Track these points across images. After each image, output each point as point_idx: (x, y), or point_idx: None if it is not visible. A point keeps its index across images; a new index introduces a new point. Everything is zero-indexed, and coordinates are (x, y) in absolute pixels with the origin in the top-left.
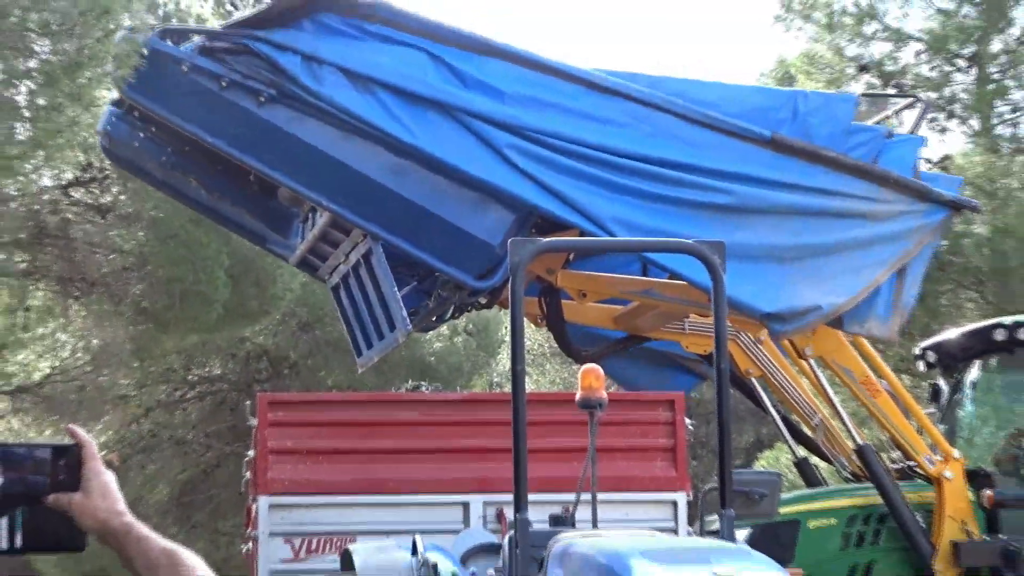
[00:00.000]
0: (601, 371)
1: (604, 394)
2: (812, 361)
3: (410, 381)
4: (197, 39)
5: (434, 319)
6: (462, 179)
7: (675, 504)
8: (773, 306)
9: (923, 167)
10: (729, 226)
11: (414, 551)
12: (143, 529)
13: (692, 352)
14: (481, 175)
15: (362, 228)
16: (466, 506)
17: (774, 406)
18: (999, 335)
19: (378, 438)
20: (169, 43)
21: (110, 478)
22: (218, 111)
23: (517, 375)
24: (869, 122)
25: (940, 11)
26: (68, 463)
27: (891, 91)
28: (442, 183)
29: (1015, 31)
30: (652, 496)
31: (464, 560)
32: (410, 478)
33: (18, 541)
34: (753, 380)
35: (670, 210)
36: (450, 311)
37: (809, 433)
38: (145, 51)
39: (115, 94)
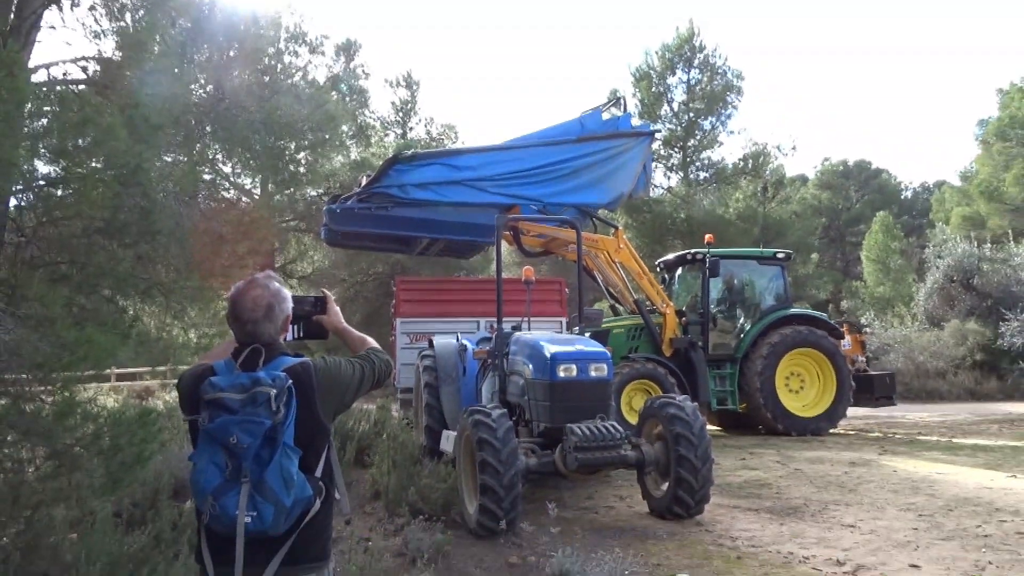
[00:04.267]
0: (532, 269)
1: (534, 278)
2: (617, 264)
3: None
4: (352, 199)
5: (474, 254)
6: (474, 206)
7: (561, 323)
8: (606, 199)
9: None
10: (576, 177)
11: (457, 339)
12: (351, 329)
13: (569, 258)
14: (480, 200)
15: (444, 239)
16: (479, 323)
17: (601, 282)
18: (688, 256)
19: (444, 295)
20: (345, 203)
21: (338, 309)
22: (375, 219)
23: (499, 270)
24: (608, 116)
25: (668, 128)
26: (321, 303)
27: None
28: (468, 210)
29: (699, 135)
30: (552, 319)
31: (477, 343)
32: (456, 311)
33: (300, 335)
34: (593, 271)
35: (552, 182)
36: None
37: (615, 293)
38: (339, 211)
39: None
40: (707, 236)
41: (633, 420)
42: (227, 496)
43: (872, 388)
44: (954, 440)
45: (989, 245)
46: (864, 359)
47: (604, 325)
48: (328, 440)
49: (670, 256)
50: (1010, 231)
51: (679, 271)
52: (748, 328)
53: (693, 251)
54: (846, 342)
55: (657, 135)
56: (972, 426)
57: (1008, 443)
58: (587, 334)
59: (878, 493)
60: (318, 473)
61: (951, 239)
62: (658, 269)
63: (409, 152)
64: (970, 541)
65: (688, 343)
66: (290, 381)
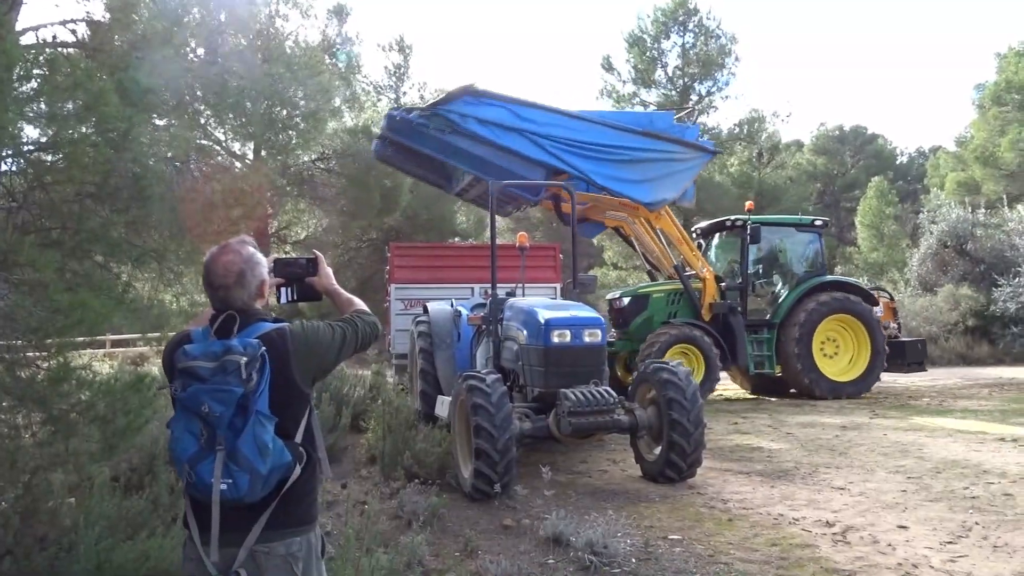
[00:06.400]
0: (526, 234)
1: (528, 243)
2: (658, 231)
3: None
4: (415, 111)
5: (512, 211)
6: (525, 158)
7: (555, 289)
8: (648, 199)
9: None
10: (630, 167)
11: (452, 305)
12: (342, 290)
13: (608, 224)
14: (533, 155)
15: (485, 183)
16: (472, 289)
17: (639, 249)
18: (727, 223)
19: (438, 261)
20: (407, 114)
21: (330, 271)
22: (429, 139)
23: (492, 236)
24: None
25: (663, 94)
26: (313, 264)
27: (685, 108)
28: (517, 160)
29: (693, 100)
30: (546, 286)
31: (471, 309)
32: (450, 277)
33: (294, 297)
34: (631, 238)
35: (607, 163)
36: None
37: (652, 260)
38: (399, 118)
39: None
40: (748, 203)
41: None
42: (202, 464)
43: (904, 354)
44: (944, 404)
45: (983, 210)
46: (896, 325)
47: (644, 290)
48: (308, 405)
49: (704, 223)
50: (1004, 196)
51: (716, 238)
52: (786, 294)
53: (732, 218)
54: (878, 309)
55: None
56: (963, 390)
57: (998, 407)
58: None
59: (868, 456)
60: (298, 439)
61: (945, 204)
62: (694, 235)
63: (483, 88)
64: (957, 502)
65: (728, 308)
66: (263, 348)
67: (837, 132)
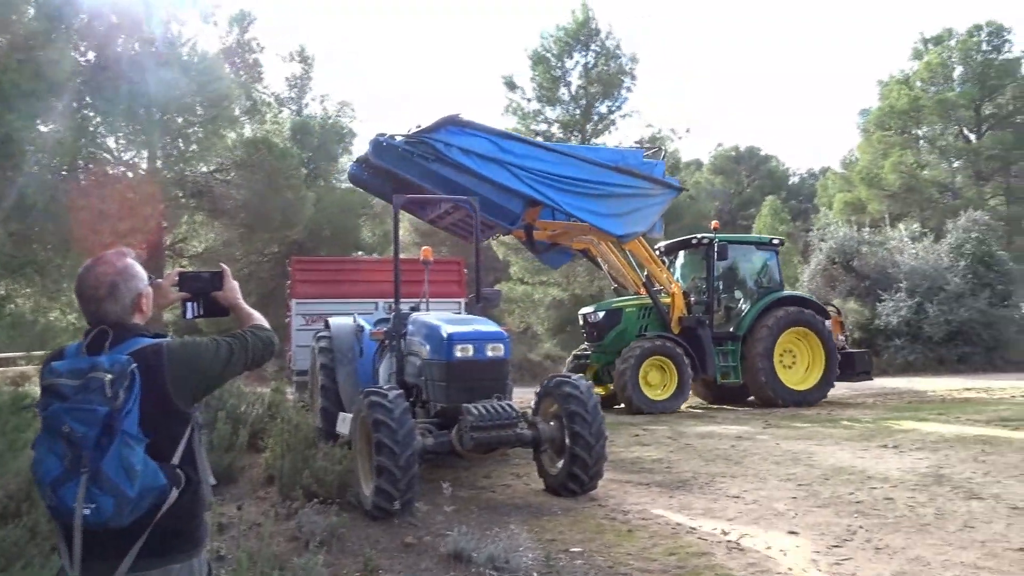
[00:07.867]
0: (431, 249)
1: (432, 258)
2: (627, 251)
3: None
4: (400, 137)
5: (486, 238)
6: (504, 188)
7: (460, 303)
8: (621, 231)
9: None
10: (603, 201)
11: (354, 320)
12: (244, 305)
13: (575, 247)
14: (511, 185)
15: (462, 211)
16: (376, 304)
17: (605, 268)
18: (692, 241)
19: (341, 275)
20: (393, 140)
21: (235, 284)
22: (411, 165)
23: (396, 250)
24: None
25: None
26: (218, 278)
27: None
28: (497, 190)
29: (596, 119)
30: (450, 300)
31: (374, 324)
32: (353, 292)
33: (200, 312)
34: (597, 258)
35: (581, 196)
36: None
37: (617, 277)
38: (384, 144)
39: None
40: (713, 223)
41: (650, 394)
42: (65, 487)
43: (853, 364)
44: (832, 413)
45: (868, 229)
46: (844, 338)
47: (617, 304)
48: (189, 425)
49: (666, 242)
50: (887, 215)
51: (680, 255)
52: (748, 308)
53: (698, 236)
54: (828, 322)
55: (558, 120)
56: (849, 400)
57: (881, 415)
58: (600, 315)
59: (761, 465)
60: (175, 460)
61: (834, 223)
62: (657, 252)
63: (467, 119)
64: (844, 508)
65: (697, 321)
66: (133, 365)
67: (734, 152)
